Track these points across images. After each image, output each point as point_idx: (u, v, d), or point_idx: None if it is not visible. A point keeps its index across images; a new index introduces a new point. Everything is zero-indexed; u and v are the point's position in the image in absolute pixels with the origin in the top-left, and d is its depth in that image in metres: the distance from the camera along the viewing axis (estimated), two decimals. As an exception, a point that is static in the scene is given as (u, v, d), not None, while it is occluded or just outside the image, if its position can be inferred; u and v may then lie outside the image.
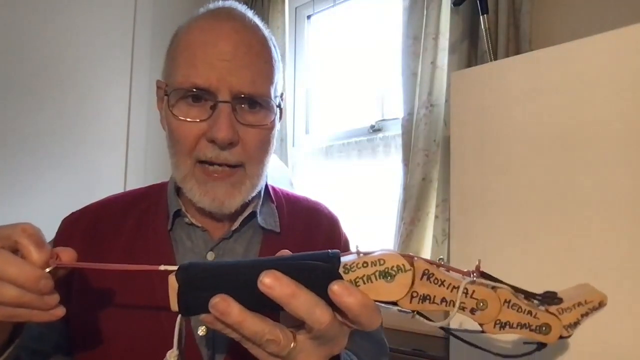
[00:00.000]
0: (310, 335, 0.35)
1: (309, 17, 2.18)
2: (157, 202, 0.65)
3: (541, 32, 1.36)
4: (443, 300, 0.35)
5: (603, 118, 0.88)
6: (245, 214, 0.64)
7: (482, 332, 0.36)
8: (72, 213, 0.65)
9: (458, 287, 0.34)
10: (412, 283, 0.34)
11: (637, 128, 0.84)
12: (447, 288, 0.34)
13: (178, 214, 0.63)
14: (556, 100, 0.95)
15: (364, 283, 0.34)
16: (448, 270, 0.36)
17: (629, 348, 0.81)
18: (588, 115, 0.90)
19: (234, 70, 0.55)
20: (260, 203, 0.66)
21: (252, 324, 0.34)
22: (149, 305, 0.57)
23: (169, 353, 0.36)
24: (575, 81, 0.93)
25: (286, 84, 2.03)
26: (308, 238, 0.69)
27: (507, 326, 0.35)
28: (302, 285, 0.33)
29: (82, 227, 0.62)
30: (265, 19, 2.08)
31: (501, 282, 0.36)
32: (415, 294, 0.34)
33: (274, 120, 0.61)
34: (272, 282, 0.33)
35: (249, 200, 0.63)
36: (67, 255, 0.40)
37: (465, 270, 0.35)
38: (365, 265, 0.34)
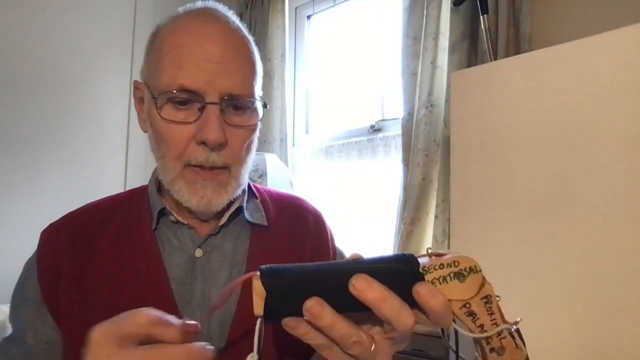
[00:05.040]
0: (389, 335, 0.37)
1: (309, 17, 2.19)
2: (140, 203, 0.65)
3: (541, 32, 1.36)
4: (481, 326, 0.37)
5: (603, 118, 0.88)
6: (232, 209, 0.64)
7: None
8: (51, 224, 0.65)
9: (498, 325, 0.37)
10: (482, 285, 0.37)
11: (637, 128, 0.84)
12: (491, 320, 0.37)
13: (162, 213, 0.63)
14: (556, 100, 0.95)
15: (440, 283, 0.37)
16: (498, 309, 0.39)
17: (630, 347, 0.81)
18: (588, 114, 0.90)
19: (223, 73, 0.56)
20: (245, 199, 0.67)
21: (342, 327, 0.35)
22: (138, 306, 0.57)
23: (249, 357, 0.37)
24: (575, 81, 0.93)
25: (286, 84, 2.03)
26: (296, 232, 0.69)
27: None
28: (388, 289, 0.35)
29: (64, 236, 0.62)
30: (265, 19, 2.08)
31: (525, 345, 0.39)
32: (468, 306, 0.37)
33: (258, 121, 0.62)
34: (363, 286, 0.34)
35: (234, 198, 0.63)
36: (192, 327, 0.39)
37: (506, 319, 0.39)
38: (441, 267, 0.37)
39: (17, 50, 1.60)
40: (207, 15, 0.59)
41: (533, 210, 0.95)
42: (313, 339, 0.36)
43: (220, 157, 0.57)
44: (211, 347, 0.35)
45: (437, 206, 1.47)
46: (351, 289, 0.34)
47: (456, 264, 0.37)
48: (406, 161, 1.55)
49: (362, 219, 1.84)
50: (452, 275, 0.37)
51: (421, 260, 0.38)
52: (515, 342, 0.38)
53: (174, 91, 0.55)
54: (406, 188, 1.53)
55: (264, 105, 0.63)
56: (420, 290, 0.35)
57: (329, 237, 0.73)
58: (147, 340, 0.36)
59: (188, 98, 0.56)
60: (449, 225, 1.13)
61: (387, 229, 1.70)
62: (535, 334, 0.89)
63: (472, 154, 1.07)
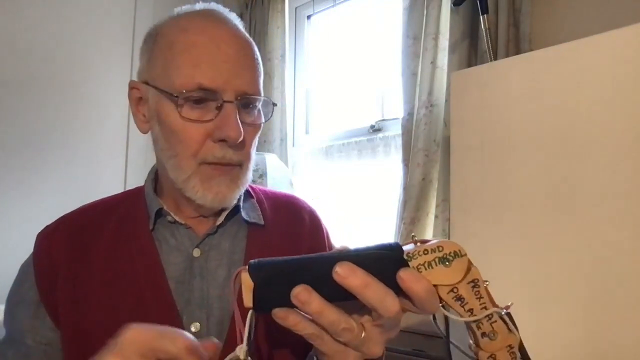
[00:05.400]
0: (377, 322, 0.37)
1: (309, 17, 2.19)
2: (136, 204, 0.65)
3: (541, 32, 1.36)
4: (470, 310, 0.37)
5: (603, 118, 0.88)
6: (229, 208, 0.64)
7: (475, 355, 0.39)
8: (47, 226, 0.65)
9: (488, 309, 0.38)
10: (468, 270, 0.37)
11: (637, 128, 0.84)
12: (480, 305, 0.37)
13: (159, 213, 0.63)
14: (556, 100, 0.95)
15: (425, 269, 0.37)
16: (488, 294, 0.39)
17: (631, 347, 0.81)
18: (588, 115, 0.90)
19: (238, 72, 0.57)
20: (242, 199, 0.67)
21: (330, 313, 0.35)
22: (138, 306, 0.57)
23: (238, 348, 0.37)
24: (575, 81, 0.93)
25: (286, 84, 2.03)
26: (292, 231, 0.69)
27: None
28: (372, 275, 0.35)
29: (60, 237, 0.62)
30: (265, 19, 2.08)
31: (517, 330, 0.39)
32: (455, 290, 0.37)
33: (264, 120, 0.63)
34: (346, 273, 0.35)
35: None
36: (212, 347, 0.38)
37: (496, 303, 0.39)
38: (425, 252, 0.37)
39: (17, 50, 1.60)
40: (214, 16, 0.60)
41: (533, 210, 0.95)
42: (304, 329, 0.36)
43: (237, 154, 0.58)
44: None
45: (437, 206, 1.47)
46: (334, 276, 0.35)
47: (440, 249, 0.37)
48: (406, 161, 1.55)
49: (362, 219, 1.84)
50: (437, 260, 0.37)
51: (406, 248, 0.38)
52: (508, 327, 0.38)
53: (192, 90, 0.56)
54: (406, 188, 1.53)
55: (274, 104, 0.65)
56: (404, 276, 0.35)
57: (325, 235, 0.73)
58: None
59: (204, 97, 0.56)
60: (449, 225, 1.13)
61: (387, 229, 1.69)
62: (536, 333, 0.89)
63: (472, 154, 1.07)
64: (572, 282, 0.89)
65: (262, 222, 0.66)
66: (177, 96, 0.56)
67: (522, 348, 0.39)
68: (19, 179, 1.58)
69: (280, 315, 0.36)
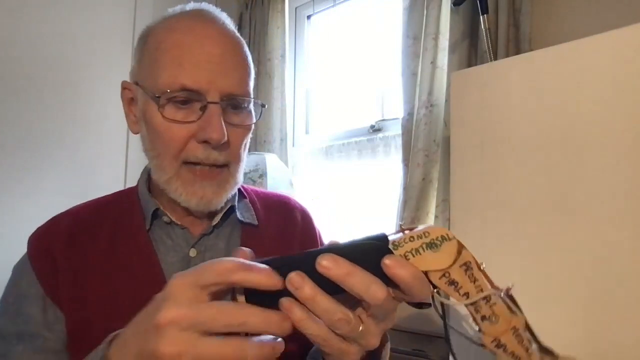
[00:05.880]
0: (369, 313, 0.38)
1: (309, 17, 2.19)
2: (130, 205, 0.65)
3: (541, 32, 1.36)
4: (466, 294, 0.36)
5: (603, 118, 0.88)
6: (224, 209, 0.64)
7: (479, 340, 0.38)
8: (38, 228, 0.64)
9: (483, 291, 0.37)
10: (459, 253, 0.36)
11: (637, 128, 0.84)
12: (476, 287, 0.37)
13: (155, 214, 0.63)
14: (556, 100, 0.95)
15: (413, 256, 0.36)
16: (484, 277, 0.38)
17: (631, 347, 0.81)
18: (588, 115, 0.90)
19: (223, 72, 0.56)
20: (236, 199, 0.67)
21: (324, 300, 0.35)
22: (137, 306, 0.57)
23: None
24: (575, 81, 0.93)
25: (286, 84, 2.03)
26: (285, 230, 0.70)
27: (502, 348, 0.38)
28: (356, 265, 0.36)
29: (55, 238, 0.61)
30: (265, 19, 2.08)
31: (521, 311, 0.38)
32: (447, 275, 0.36)
33: (254, 121, 0.63)
34: (329, 264, 0.35)
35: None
36: (243, 254, 0.38)
37: (496, 284, 0.38)
38: (412, 239, 0.37)
39: (17, 49, 1.60)
40: (203, 16, 0.60)
41: (533, 210, 0.95)
42: (308, 327, 0.36)
43: (222, 155, 0.58)
44: (281, 341, 0.35)
45: (437, 206, 1.47)
46: (319, 269, 0.35)
47: (427, 234, 0.37)
48: (406, 161, 1.55)
49: (363, 219, 1.84)
50: (424, 246, 0.36)
51: (394, 237, 0.37)
52: (510, 308, 0.37)
53: (175, 91, 0.55)
54: (406, 188, 1.53)
55: (262, 105, 0.64)
56: (388, 262, 0.35)
57: (317, 234, 0.74)
58: (229, 289, 0.35)
59: (189, 98, 0.56)
60: (449, 225, 1.13)
61: (387, 229, 1.69)
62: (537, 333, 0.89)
63: (472, 154, 1.07)
64: (572, 282, 0.88)
65: (255, 222, 0.67)
66: (158, 96, 0.56)
67: (529, 328, 0.38)
68: (18, 178, 1.58)
69: (286, 305, 0.36)
